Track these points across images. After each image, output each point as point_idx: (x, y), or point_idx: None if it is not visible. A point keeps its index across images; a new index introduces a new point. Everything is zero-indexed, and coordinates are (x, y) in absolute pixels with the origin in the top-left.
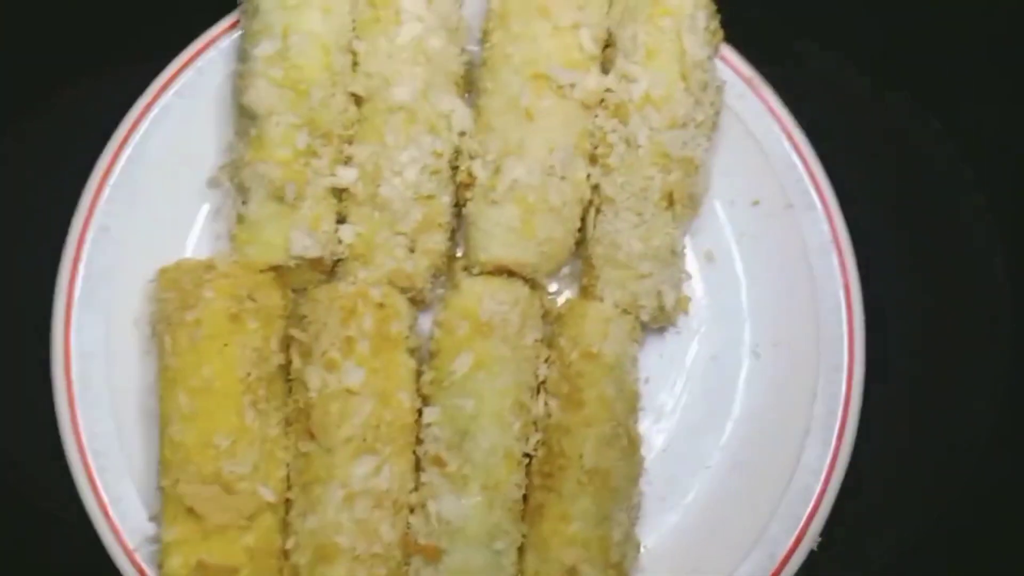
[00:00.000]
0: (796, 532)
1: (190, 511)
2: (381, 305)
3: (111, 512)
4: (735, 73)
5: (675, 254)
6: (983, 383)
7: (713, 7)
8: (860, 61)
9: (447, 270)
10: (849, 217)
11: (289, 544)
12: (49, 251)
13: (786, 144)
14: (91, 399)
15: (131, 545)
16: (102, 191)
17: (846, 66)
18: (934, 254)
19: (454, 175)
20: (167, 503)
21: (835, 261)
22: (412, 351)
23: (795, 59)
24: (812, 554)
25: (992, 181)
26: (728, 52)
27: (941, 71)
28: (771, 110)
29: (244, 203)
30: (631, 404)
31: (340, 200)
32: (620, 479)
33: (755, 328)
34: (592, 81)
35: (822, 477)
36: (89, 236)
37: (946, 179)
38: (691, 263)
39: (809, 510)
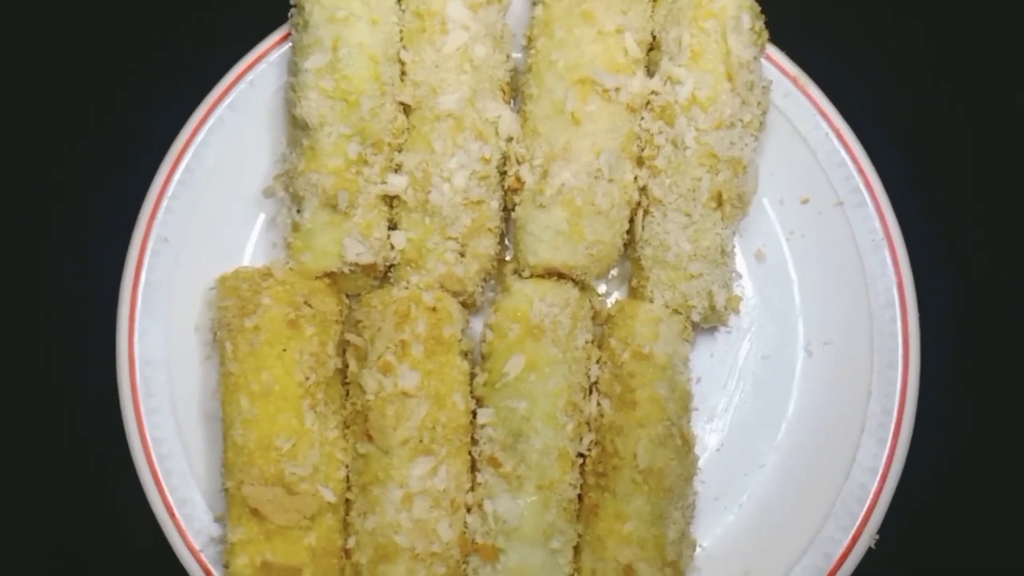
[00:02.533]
0: (852, 531)
1: (254, 512)
2: (434, 309)
3: (177, 514)
4: (781, 72)
5: (725, 254)
6: None
7: (757, 8)
8: (906, 56)
9: (497, 274)
10: (900, 213)
11: (350, 544)
12: (111, 262)
13: (834, 141)
14: (155, 405)
15: (197, 546)
16: (160, 203)
17: (892, 61)
18: (985, 249)
19: (502, 180)
20: (232, 504)
21: (887, 257)
22: (465, 354)
23: (841, 56)
24: (869, 553)
25: None
26: (773, 51)
27: (989, 64)
28: (818, 108)
29: (298, 212)
30: (684, 404)
31: (391, 207)
32: (674, 478)
33: (807, 326)
34: (637, 84)
35: (878, 475)
36: (149, 247)
37: (998, 174)
38: (741, 262)
39: (865, 509)
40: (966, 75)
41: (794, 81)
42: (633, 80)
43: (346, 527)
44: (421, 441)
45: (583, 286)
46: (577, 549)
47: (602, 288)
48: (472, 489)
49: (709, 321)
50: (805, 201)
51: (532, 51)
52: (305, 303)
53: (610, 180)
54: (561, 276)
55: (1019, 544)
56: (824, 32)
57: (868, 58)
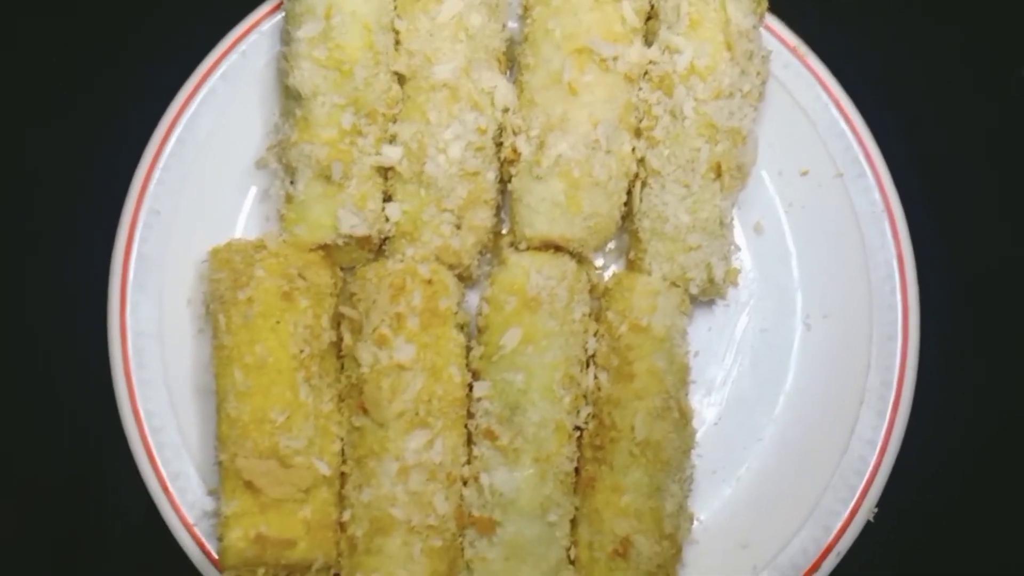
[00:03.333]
0: (851, 504)
1: (248, 485)
2: (429, 282)
3: (170, 488)
4: (780, 42)
5: (723, 226)
6: None
7: None
8: (907, 26)
9: (493, 246)
10: (900, 185)
11: (345, 517)
12: (103, 235)
13: (834, 112)
14: (147, 378)
15: (191, 519)
16: (152, 175)
17: (893, 31)
18: (985, 220)
19: (498, 151)
20: (226, 477)
21: (887, 229)
22: (461, 327)
23: (841, 26)
24: (868, 526)
25: None
26: (773, 20)
27: (992, 34)
28: (818, 78)
29: (292, 183)
30: (681, 377)
31: (386, 179)
32: (672, 451)
33: (806, 299)
34: (635, 53)
35: (877, 448)
36: (141, 219)
37: (1000, 145)
38: (740, 235)
39: (864, 482)
40: (968, 45)
41: (793, 51)
42: (631, 49)
43: (341, 500)
44: (417, 414)
45: (580, 259)
46: (574, 522)
47: (600, 261)
48: (468, 462)
49: (707, 294)
50: (804, 173)
51: (528, 20)
52: (299, 275)
53: (608, 151)
54: (558, 248)
55: (1018, 517)
56: (824, 2)
57: (868, 28)
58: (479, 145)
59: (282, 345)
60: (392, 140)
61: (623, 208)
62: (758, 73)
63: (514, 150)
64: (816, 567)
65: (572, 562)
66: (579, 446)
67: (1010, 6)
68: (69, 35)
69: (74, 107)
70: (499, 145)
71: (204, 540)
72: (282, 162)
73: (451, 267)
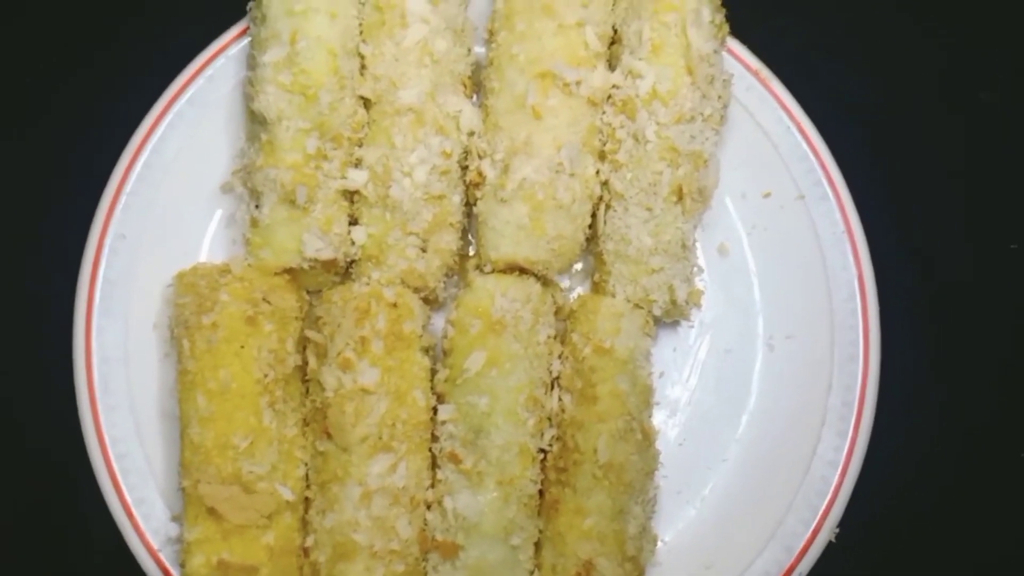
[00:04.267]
0: (813, 524)
1: (211, 511)
2: (394, 305)
3: (135, 513)
4: (742, 65)
5: (686, 248)
6: (998, 371)
7: (718, 1)
8: (869, 49)
9: (459, 269)
10: (861, 206)
11: (308, 542)
12: (68, 259)
13: (796, 135)
14: (112, 403)
15: (155, 545)
16: (118, 199)
17: (854, 54)
18: (946, 242)
19: (464, 175)
20: (188, 503)
21: (848, 251)
22: (426, 350)
23: (803, 49)
24: (829, 546)
25: (1003, 169)
26: (736, 45)
27: (953, 57)
28: (780, 101)
29: (257, 207)
30: (645, 398)
31: (351, 202)
32: (635, 473)
33: (768, 321)
34: (598, 78)
35: (839, 468)
36: (107, 243)
37: (960, 166)
38: (703, 257)
39: (826, 502)
40: (930, 68)
41: (756, 75)
42: (594, 74)
43: (304, 525)
44: (380, 438)
45: (545, 281)
46: (538, 545)
47: (566, 282)
48: (432, 486)
49: (671, 315)
50: (767, 195)
51: (493, 45)
52: (264, 300)
53: (571, 174)
54: (523, 271)
55: (979, 537)
56: (786, 26)
57: (830, 51)
58: (444, 169)
59: (246, 370)
60: (357, 164)
61: (587, 231)
62: (719, 97)
63: (479, 173)
64: None
65: None
66: (543, 468)
67: (973, 30)
68: (35, 56)
69: (39, 128)
70: (464, 168)
71: (169, 566)
72: (247, 186)
73: (417, 290)
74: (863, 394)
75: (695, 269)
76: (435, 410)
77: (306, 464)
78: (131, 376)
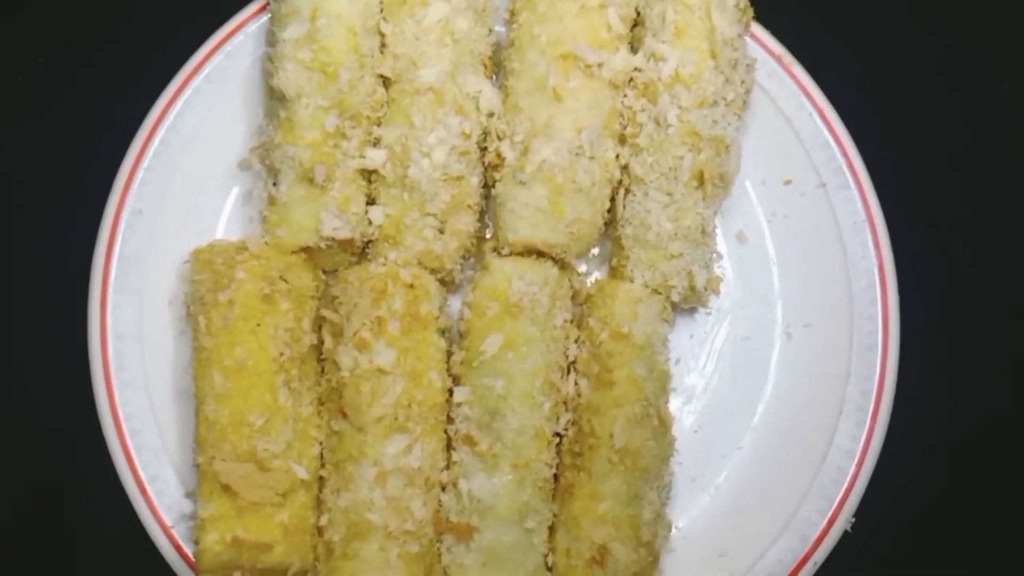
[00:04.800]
0: (829, 514)
1: (225, 488)
2: (411, 286)
3: (148, 490)
4: (765, 51)
5: (706, 234)
6: (1016, 362)
7: None
8: (891, 37)
9: (476, 251)
10: (882, 195)
11: (323, 521)
12: (84, 235)
13: (818, 122)
14: (127, 379)
15: (168, 522)
16: (135, 175)
17: (877, 41)
18: (966, 231)
19: (482, 156)
20: (203, 480)
21: (869, 240)
22: (442, 331)
23: (826, 35)
24: (845, 535)
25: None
26: (758, 29)
27: (975, 47)
28: (802, 88)
29: (275, 185)
30: (662, 384)
31: (369, 182)
32: (650, 459)
33: (787, 308)
34: (620, 60)
35: (856, 458)
36: (123, 219)
37: (981, 157)
38: (722, 243)
39: (842, 492)
40: (951, 57)
41: (778, 60)
42: (616, 56)
43: (319, 504)
44: (396, 419)
45: (563, 264)
46: (552, 529)
47: (583, 267)
48: (447, 467)
49: (689, 302)
50: (787, 182)
51: (514, 25)
52: (280, 278)
53: (591, 157)
54: (540, 254)
55: (995, 527)
56: (809, 11)
57: (853, 38)
58: (463, 149)
59: (262, 348)
60: (376, 143)
61: (606, 214)
62: (742, 82)
63: (498, 155)
64: None
65: (550, 569)
66: (558, 452)
67: (994, 19)
68: (53, 34)
69: (57, 106)
70: (483, 150)
71: (181, 543)
72: (265, 164)
73: (433, 271)
74: (881, 384)
75: (714, 255)
76: (450, 392)
77: (321, 443)
78: (145, 353)
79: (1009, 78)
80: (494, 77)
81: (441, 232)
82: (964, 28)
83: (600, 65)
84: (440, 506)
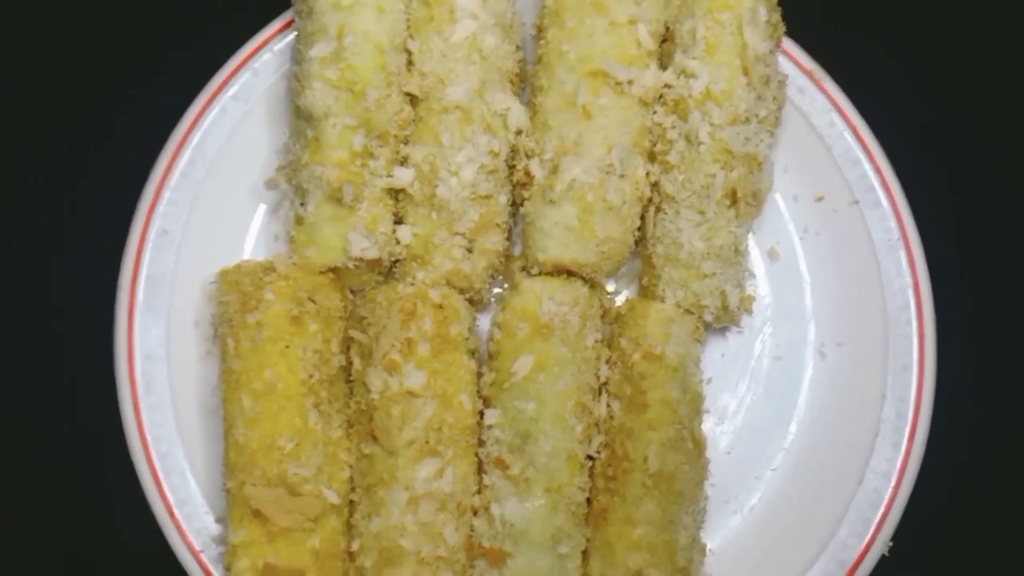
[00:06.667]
0: (866, 538)
1: (256, 513)
2: (440, 306)
3: (177, 514)
4: (797, 67)
5: (738, 253)
6: None
7: (774, 0)
8: (924, 52)
9: (505, 270)
10: (917, 213)
11: (354, 546)
12: (111, 255)
13: (850, 138)
14: (154, 401)
15: (198, 547)
16: (161, 195)
17: (910, 57)
18: (1002, 250)
19: (511, 174)
20: (233, 505)
21: (903, 258)
22: (472, 352)
23: (858, 51)
24: (882, 559)
25: None
26: (789, 45)
27: (1010, 62)
28: (834, 104)
29: (302, 205)
30: (695, 406)
31: (397, 201)
32: (685, 482)
33: (820, 327)
34: (650, 77)
35: (893, 481)
36: (149, 239)
37: (1016, 174)
38: (754, 261)
39: (880, 515)
40: (986, 72)
41: (810, 76)
42: (646, 73)
43: (350, 529)
44: (427, 442)
45: (593, 284)
46: (586, 554)
47: (612, 286)
48: (479, 492)
49: (721, 321)
50: (820, 199)
51: (542, 41)
52: (308, 299)
53: (622, 175)
54: (571, 274)
55: None
56: (841, 26)
57: (886, 53)
58: (491, 168)
59: (291, 370)
60: (403, 162)
61: (636, 233)
62: (775, 98)
63: (527, 173)
64: None
65: None
66: (591, 476)
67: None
68: (78, 51)
69: (83, 126)
70: (512, 168)
71: (211, 567)
72: (292, 183)
73: (462, 291)
74: (918, 405)
75: (747, 274)
76: (481, 414)
77: (351, 466)
78: (172, 374)
79: None
80: (522, 94)
81: (470, 251)
82: (1000, 42)
83: (630, 82)
84: (472, 531)
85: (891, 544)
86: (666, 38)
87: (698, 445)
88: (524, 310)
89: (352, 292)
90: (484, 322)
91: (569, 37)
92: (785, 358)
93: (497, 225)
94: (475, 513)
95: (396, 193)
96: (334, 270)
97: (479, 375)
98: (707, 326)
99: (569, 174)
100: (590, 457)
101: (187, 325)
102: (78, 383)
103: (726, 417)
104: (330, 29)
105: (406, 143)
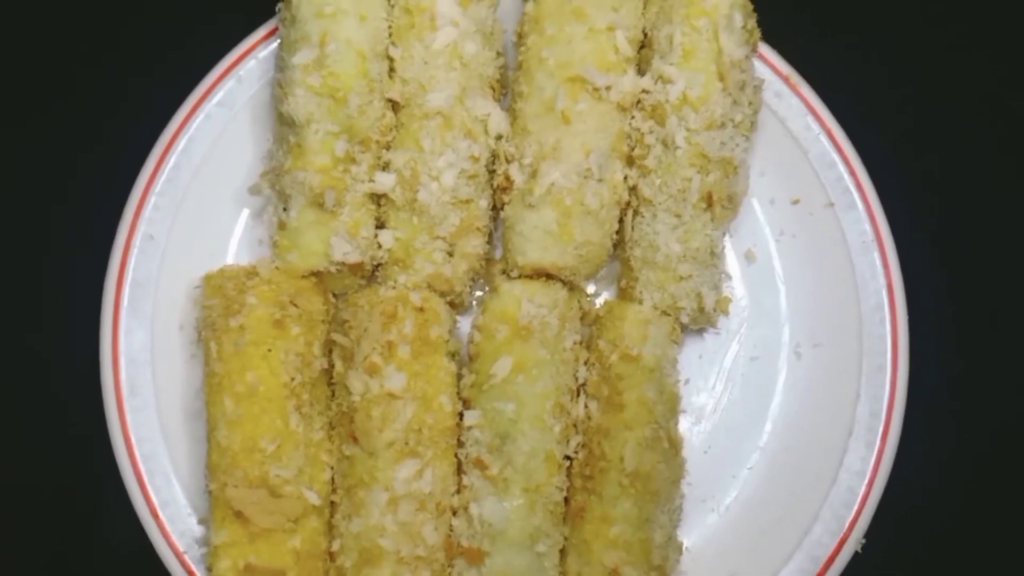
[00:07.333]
0: (840, 535)
1: (238, 514)
2: (421, 309)
3: (161, 515)
4: (773, 71)
5: (714, 255)
6: None
7: (750, 6)
8: (898, 55)
9: (485, 274)
10: (891, 214)
11: (334, 547)
12: (96, 259)
13: (825, 142)
14: (138, 404)
15: (181, 547)
16: (146, 200)
17: (884, 61)
18: (976, 251)
19: (491, 179)
20: (215, 506)
21: (877, 259)
22: (452, 355)
23: (833, 55)
24: (856, 557)
25: None
26: (765, 49)
27: (983, 64)
28: (810, 107)
29: (285, 210)
30: (672, 406)
31: (379, 206)
32: (661, 481)
33: (796, 328)
34: (628, 83)
35: (866, 479)
36: (134, 244)
37: (990, 175)
38: (731, 263)
39: (853, 513)
40: (959, 74)
41: (786, 80)
42: (624, 79)
43: (331, 530)
44: (407, 443)
45: (572, 287)
46: (563, 552)
47: (591, 289)
48: (458, 492)
49: (698, 323)
50: (796, 202)
51: (522, 48)
52: (291, 303)
53: (600, 180)
54: (550, 276)
55: (1008, 548)
56: (816, 31)
57: (860, 58)
58: (472, 173)
59: (273, 373)
60: (385, 167)
61: (615, 236)
62: (750, 103)
63: (507, 178)
64: None
65: None
66: (569, 476)
67: (1003, 35)
68: (65, 57)
69: (68, 132)
70: (492, 173)
71: (194, 568)
72: (275, 188)
73: (443, 294)
74: (891, 404)
75: (723, 276)
76: (461, 415)
77: (332, 468)
78: (157, 377)
79: (1021, 95)
80: (502, 100)
81: (450, 255)
82: (974, 47)
83: (608, 88)
84: (451, 531)
85: (864, 542)
86: (644, 44)
87: (674, 445)
88: (503, 313)
89: (334, 296)
90: (465, 325)
91: (549, 43)
92: (761, 359)
93: (477, 229)
94: (454, 513)
95: (378, 198)
96: (316, 274)
97: (459, 377)
98: (684, 327)
99: (548, 178)
100: (568, 457)
101: (171, 329)
102: (63, 386)
103: (703, 417)
104: (313, 37)
105: (388, 149)
